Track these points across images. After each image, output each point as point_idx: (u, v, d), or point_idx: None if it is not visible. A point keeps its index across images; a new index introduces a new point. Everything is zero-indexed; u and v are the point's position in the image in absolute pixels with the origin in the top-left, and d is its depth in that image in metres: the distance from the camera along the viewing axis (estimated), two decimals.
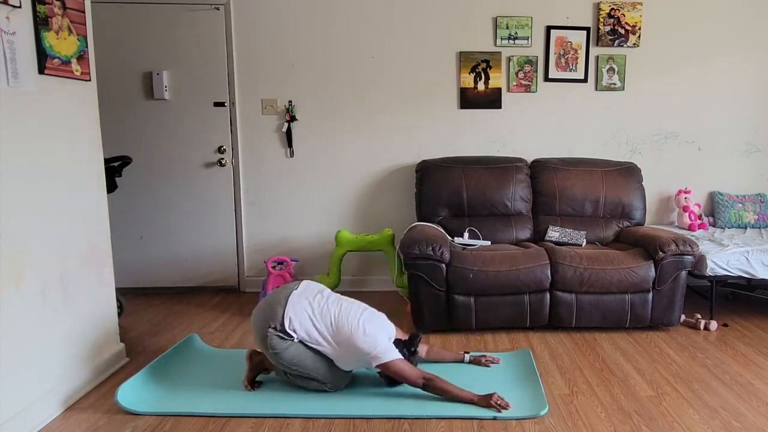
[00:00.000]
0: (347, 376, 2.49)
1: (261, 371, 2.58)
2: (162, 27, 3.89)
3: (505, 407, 2.29)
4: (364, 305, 2.50)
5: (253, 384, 2.53)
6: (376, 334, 2.36)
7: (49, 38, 2.29)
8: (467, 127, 4.07)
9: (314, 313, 2.39)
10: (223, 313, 3.68)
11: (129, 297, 3.92)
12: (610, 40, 3.98)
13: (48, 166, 2.32)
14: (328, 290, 2.56)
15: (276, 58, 4.00)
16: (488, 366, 2.73)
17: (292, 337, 2.35)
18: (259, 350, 2.56)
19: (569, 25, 3.98)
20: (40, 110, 2.27)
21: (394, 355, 2.33)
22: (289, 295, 2.42)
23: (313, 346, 2.38)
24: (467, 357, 2.77)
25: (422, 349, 2.65)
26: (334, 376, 2.44)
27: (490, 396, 2.32)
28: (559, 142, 4.09)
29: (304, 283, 2.53)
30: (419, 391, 2.39)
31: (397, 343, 2.44)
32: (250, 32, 3.97)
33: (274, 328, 2.34)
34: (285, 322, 2.34)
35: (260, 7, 3.94)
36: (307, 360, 2.37)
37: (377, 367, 2.34)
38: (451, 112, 4.06)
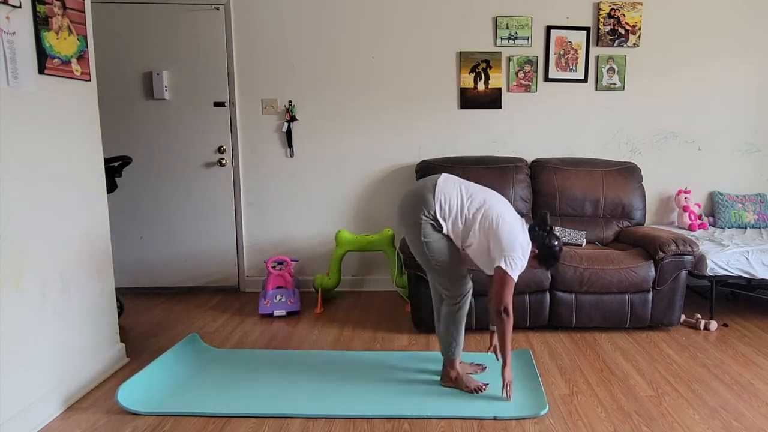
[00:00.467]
0: (470, 287, 2.49)
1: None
2: (162, 27, 3.89)
3: (507, 398, 2.33)
4: (503, 197, 2.46)
5: (480, 387, 2.48)
6: (519, 232, 2.32)
7: (49, 38, 2.29)
8: (467, 127, 4.07)
9: (464, 194, 2.37)
10: (223, 313, 3.69)
11: (129, 297, 3.92)
12: (610, 40, 3.98)
13: (48, 166, 2.32)
14: (466, 181, 2.52)
15: (276, 58, 4.00)
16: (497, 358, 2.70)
17: (442, 227, 2.34)
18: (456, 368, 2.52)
19: (569, 25, 3.98)
20: (40, 110, 2.27)
21: (516, 272, 2.27)
22: (437, 182, 2.39)
23: (459, 232, 2.35)
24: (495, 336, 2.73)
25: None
26: (463, 282, 2.44)
27: (508, 381, 2.36)
28: (559, 142, 4.09)
29: (445, 175, 2.49)
30: (419, 390, 2.40)
31: (532, 228, 2.40)
32: (250, 32, 3.97)
33: (428, 215, 2.33)
34: (437, 208, 2.33)
35: (260, 7, 3.94)
36: (450, 255, 2.38)
37: (497, 268, 2.27)
38: (451, 112, 4.06)
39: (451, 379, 2.51)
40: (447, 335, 2.49)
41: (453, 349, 2.49)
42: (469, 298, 2.50)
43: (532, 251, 2.35)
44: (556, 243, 2.39)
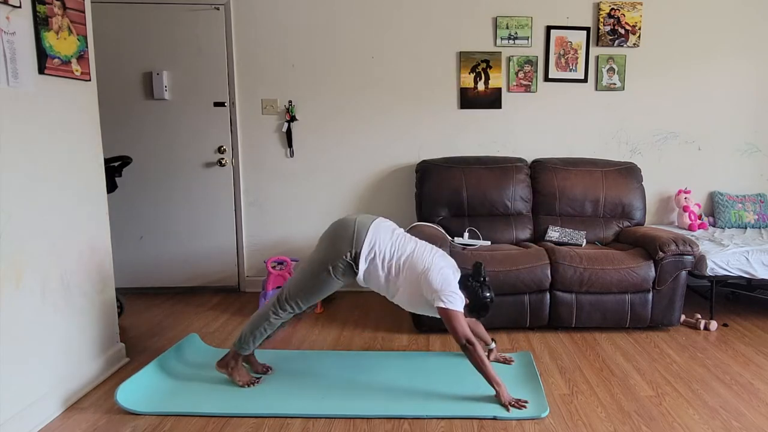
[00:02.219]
0: (301, 309, 2.51)
1: (239, 365, 2.57)
2: (162, 27, 3.89)
3: (519, 407, 2.30)
4: (435, 247, 2.49)
5: (251, 382, 2.53)
6: (450, 274, 2.35)
7: (49, 38, 2.29)
8: (467, 127, 4.07)
9: (394, 244, 2.39)
10: (223, 313, 3.68)
11: (129, 297, 3.92)
12: (610, 40, 3.98)
13: (48, 166, 2.32)
14: (400, 228, 2.55)
15: (276, 58, 4.00)
16: (500, 361, 2.75)
17: (358, 271, 2.37)
18: (226, 361, 2.55)
19: (569, 25, 3.98)
20: (40, 110, 2.27)
21: (458, 305, 2.30)
22: (371, 224, 2.41)
23: (381, 280, 2.37)
24: (493, 345, 2.78)
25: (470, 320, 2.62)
26: (301, 305, 2.46)
27: (511, 397, 2.33)
28: (559, 142, 4.09)
29: (381, 218, 2.52)
30: (419, 390, 2.39)
31: (465, 277, 2.42)
32: (250, 32, 3.97)
33: (349, 255, 2.35)
34: (364, 249, 2.34)
35: (260, 7, 3.94)
36: (322, 290, 2.42)
37: (438, 309, 2.29)
38: (451, 112, 4.06)
39: (227, 368, 2.53)
40: (251, 332, 2.49)
41: (246, 347, 2.49)
42: (291, 318, 2.51)
43: (465, 300, 2.36)
44: (488, 295, 2.40)
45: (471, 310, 2.40)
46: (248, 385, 2.51)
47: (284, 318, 2.49)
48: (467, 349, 2.30)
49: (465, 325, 2.32)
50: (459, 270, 2.47)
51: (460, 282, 2.38)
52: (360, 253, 2.35)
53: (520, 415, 2.26)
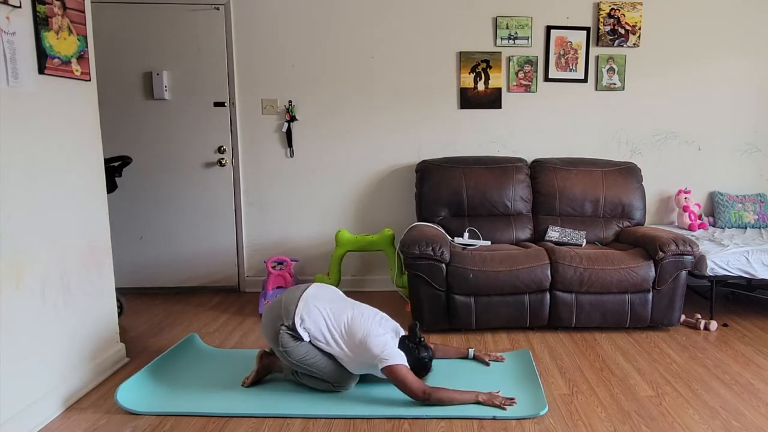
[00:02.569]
0: (355, 376, 2.49)
1: (269, 373, 2.59)
2: (162, 27, 3.89)
3: (510, 404, 2.30)
4: (375, 310, 2.51)
5: (253, 383, 2.53)
6: (387, 338, 2.37)
7: (49, 38, 2.29)
8: (467, 127, 4.07)
9: (328, 314, 2.40)
10: (223, 313, 3.68)
11: (129, 297, 3.92)
12: (610, 40, 3.98)
13: (48, 166, 2.32)
14: (341, 293, 2.58)
15: (276, 58, 4.00)
16: (488, 364, 2.74)
17: (302, 337, 2.36)
18: (269, 351, 2.58)
19: (569, 25, 3.98)
20: (40, 110, 2.27)
21: (400, 360, 2.32)
22: (302, 294, 2.44)
23: (323, 347, 2.39)
24: (471, 352, 2.79)
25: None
26: (342, 376, 2.44)
27: (494, 396, 2.33)
28: (559, 142, 4.09)
29: (316, 285, 2.56)
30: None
31: (401, 340, 2.44)
32: (250, 32, 3.97)
33: (286, 327, 2.35)
34: (296, 320, 2.35)
35: (260, 7, 3.94)
36: (316, 359, 2.39)
37: (383, 370, 2.32)
38: (451, 112, 4.06)
39: (267, 359, 2.56)
40: (300, 382, 2.50)
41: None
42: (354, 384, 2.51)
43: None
44: (425, 354, 2.44)
45: (412, 369, 2.39)
46: (247, 384, 2.53)
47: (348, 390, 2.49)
48: (430, 399, 2.30)
49: (414, 377, 2.32)
50: (399, 333, 2.50)
51: (399, 345, 2.41)
52: (294, 325, 2.36)
53: (520, 415, 2.25)
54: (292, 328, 2.35)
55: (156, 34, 3.90)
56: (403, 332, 2.52)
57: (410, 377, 2.31)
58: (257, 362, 2.56)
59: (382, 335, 2.37)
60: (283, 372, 2.57)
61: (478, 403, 2.32)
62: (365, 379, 2.58)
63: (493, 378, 2.59)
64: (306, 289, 2.50)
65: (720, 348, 3.02)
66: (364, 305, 2.52)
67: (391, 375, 2.31)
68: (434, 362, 2.58)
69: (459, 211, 3.76)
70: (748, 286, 3.70)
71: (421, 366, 2.44)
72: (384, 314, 2.52)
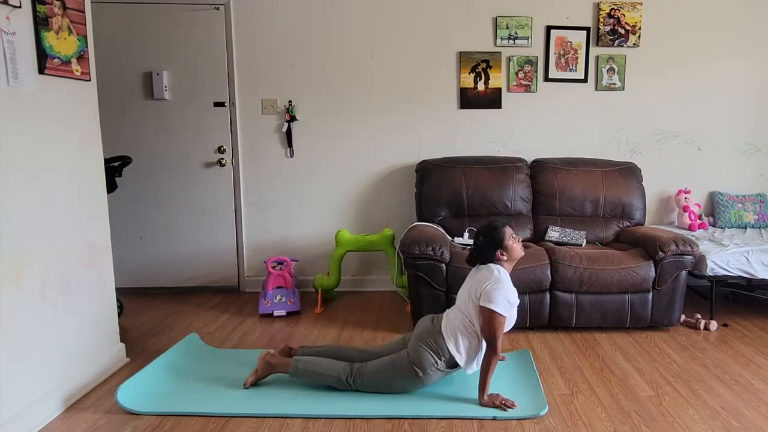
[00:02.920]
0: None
1: (270, 374, 2.58)
2: (162, 27, 3.89)
3: (511, 406, 2.30)
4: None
5: (253, 384, 2.53)
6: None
7: (49, 38, 2.29)
8: (467, 127, 4.07)
9: (455, 321, 2.40)
10: (223, 313, 3.68)
11: (129, 297, 3.91)
12: (610, 40, 3.98)
13: (48, 166, 2.32)
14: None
15: (276, 58, 4.00)
16: None
17: (458, 365, 2.38)
18: (274, 353, 2.57)
19: (569, 25, 3.98)
20: (40, 110, 2.27)
21: (501, 308, 2.30)
22: (442, 323, 2.43)
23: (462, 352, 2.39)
24: None
25: None
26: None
27: (495, 397, 2.33)
28: (559, 142, 4.09)
29: (446, 313, 2.52)
30: (419, 391, 2.40)
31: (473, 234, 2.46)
32: (250, 32, 3.97)
33: (442, 361, 2.36)
34: (451, 348, 2.35)
35: (260, 7, 3.94)
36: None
37: (483, 305, 2.28)
38: (451, 112, 4.06)
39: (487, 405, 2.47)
40: (313, 373, 2.49)
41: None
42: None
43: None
44: (496, 224, 2.47)
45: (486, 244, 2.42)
46: (250, 384, 2.52)
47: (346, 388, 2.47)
48: (488, 354, 2.32)
49: (503, 332, 2.33)
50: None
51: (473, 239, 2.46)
52: (450, 353, 2.36)
53: (520, 415, 2.26)
54: (449, 359, 2.36)
55: (156, 34, 3.90)
56: None
57: (501, 329, 2.31)
58: (264, 365, 2.53)
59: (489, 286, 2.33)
60: (289, 369, 2.56)
61: (480, 402, 2.33)
62: None
63: (493, 378, 2.58)
64: (439, 319, 2.47)
65: (720, 348, 3.02)
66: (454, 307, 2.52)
67: (487, 316, 2.30)
68: None
69: (459, 211, 3.76)
70: (748, 286, 3.70)
71: (491, 229, 2.43)
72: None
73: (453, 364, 2.38)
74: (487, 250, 2.43)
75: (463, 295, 2.44)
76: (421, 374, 2.35)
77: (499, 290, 2.31)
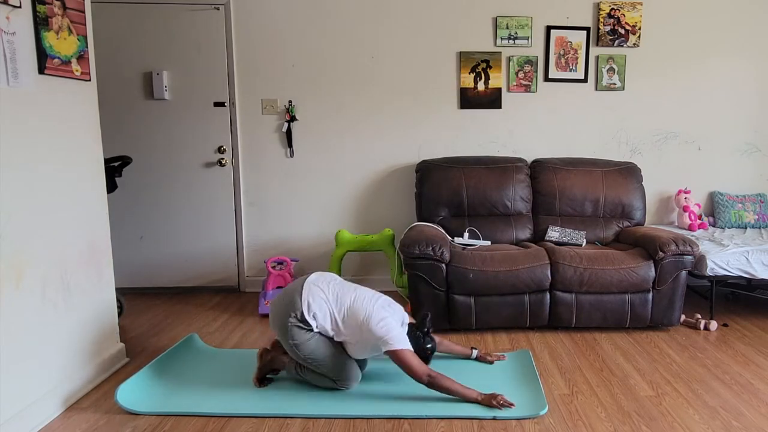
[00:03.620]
0: (358, 375, 2.49)
1: (271, 370, 2.60)
2: (162, 27, 3.89)
3: (509, 406, 2.29)
4: (378, 293, 2.52)
5: (262, 382, 2.54)
6: (390, 320, 2.37)
7: (49, 38, 2.29)
8: (467, 127, 4.07)
9: (330, 298, 2.42)
10: (223, 313, 3.69)
11: (129, 297, 3.92)
12: (610, 40, 3.98)
13: (48, 166, 2.32)
14: (340, 278, 2.59)
15: (276, 58, 4.00)
16: (492, 362, 2.76)
17: (311, 326, 2.37)
18: (269, 348, 2.59)
19: (569, 25, 3.98)
20: (40, 110, 2.27)
21: (404, 344, 2.33)
22: (304, 282, 2.45)
23: (330, 332, 2.40)
24: (475, 353, 2.79)
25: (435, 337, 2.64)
26: (347, 374, 2.44)
27: (494, 396, 2.33)
28: (559, 142, 4.09)
29: (317, 273, 2.56)
30: (419, 391, 2.39)
31: (410, 327, 2.45)
32: (250, 32, 3.97)
33: (295, 317, 2.37)
34: (304, 308, 2.36)
35: (260, 7, 3.94)
36: (325, 353, 2.40)
37: (386, 353, 2.32)
38: (451, 112, 4.06)
39: (267, 355, 2.57)
40: (303, 379, 2.51)
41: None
42: (356, 384, 2.51)
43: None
44: (430, 346, 2.45)
45: None
46: (258, 383, 2.53)
47: (352, 387, 2.49)
48: (432, 384, 2.31)
49: (419, 361, 2.33)
50: (406, 322, 2.49)
51: (408, 331, 2.42)
52: (303, 315, 2.37)
53: (520, 415, 2.25)
54: (301, 319, 2.36)
55: (156, 34, 3.90)
56: (408, 320, 2.52)
57: (415, 361, 2.32)
58: (258, 359, 2.57)
59: (386, 318, 2.36)
60: (285, 370, 2.57)
61: (477, 402, 2.32)
62: (365, 378, 2.58)
63: (493, 378, 2.59)
64: (307, 276, 2.50)
65: (720, 348, 3.02)
66: (366, 288, 2.52)
67: (395, 357, 2.32)
68: (438, 362, 2.58)
69: (459, 211, 3.76)
70: (748, 286, 3.70)
71: (422, 357, 2.43)
72: (389, 299, 2.52)
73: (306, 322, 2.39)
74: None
75: (368, 306, 2.40)
76: (291, 341, 2.36)
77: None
